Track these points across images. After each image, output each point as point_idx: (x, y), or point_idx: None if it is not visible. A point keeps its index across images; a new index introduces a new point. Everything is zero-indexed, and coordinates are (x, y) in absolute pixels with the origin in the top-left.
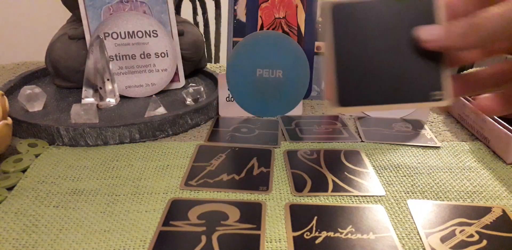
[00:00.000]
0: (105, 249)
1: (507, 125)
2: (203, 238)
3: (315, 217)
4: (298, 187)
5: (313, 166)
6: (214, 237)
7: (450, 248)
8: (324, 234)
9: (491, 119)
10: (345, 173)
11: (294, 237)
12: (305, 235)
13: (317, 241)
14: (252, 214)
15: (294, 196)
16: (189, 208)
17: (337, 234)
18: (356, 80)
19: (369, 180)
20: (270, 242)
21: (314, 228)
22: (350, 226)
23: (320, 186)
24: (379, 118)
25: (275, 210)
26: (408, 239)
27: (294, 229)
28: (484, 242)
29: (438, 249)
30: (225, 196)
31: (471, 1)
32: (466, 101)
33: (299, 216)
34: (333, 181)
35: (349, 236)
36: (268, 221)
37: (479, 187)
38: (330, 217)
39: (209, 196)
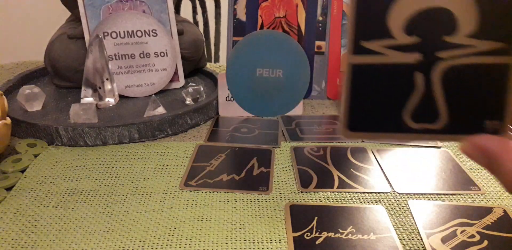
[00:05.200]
0: (104, 249)
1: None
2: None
3: (316, 218)
4: (304, 183)
5: (319, 162)
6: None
7: (451, 248)
8: (324, 234)
9: None
10: (351, 169)
11: (294, 238)
12: (305, 236)
13: (317, 242)
14: None
15: (300, 192)
16: None
17: (338, 235)
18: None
19: (375, 176)
20: (270, 242)
21: (314, 229)
22: (351, 227)
23: (326, 182)
24: None
25: (275, 211)
26: (409, 239)
27: (294, 230)
28: (485, 242)
29: None
30: (225, 195)
31: None
32: None
33: (299, 217)
34: (339, 177)
35: (349, 236)
36: (268, 221)
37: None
38: (330, 218)
39: (209, 197)
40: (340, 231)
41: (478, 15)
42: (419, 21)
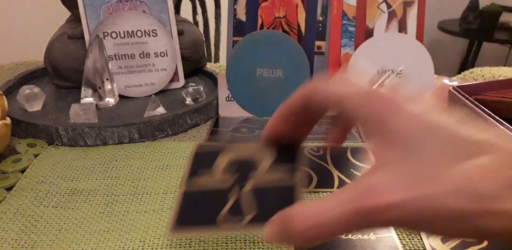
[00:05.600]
0: (104, 249)
1: (508, 125)
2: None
3: None
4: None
5: (319, 163)
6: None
7: (451, 248)
8: None
9: (492, 120)
10: (351, 169)
11: None
12: None
13: None
14: None
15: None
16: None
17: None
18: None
19: None
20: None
21: None
22: None
23: (326, 182)
24: None
25: None
26: (409, 239)
27: None
28: (485, 242)
29: None
30: None
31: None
32: (467, 101)
33: None
34: (339, 177)
35: (349, 236)
36: None
37: None
38: None
39: None
40: None
41: (270, 160)
42: (233, 166)
